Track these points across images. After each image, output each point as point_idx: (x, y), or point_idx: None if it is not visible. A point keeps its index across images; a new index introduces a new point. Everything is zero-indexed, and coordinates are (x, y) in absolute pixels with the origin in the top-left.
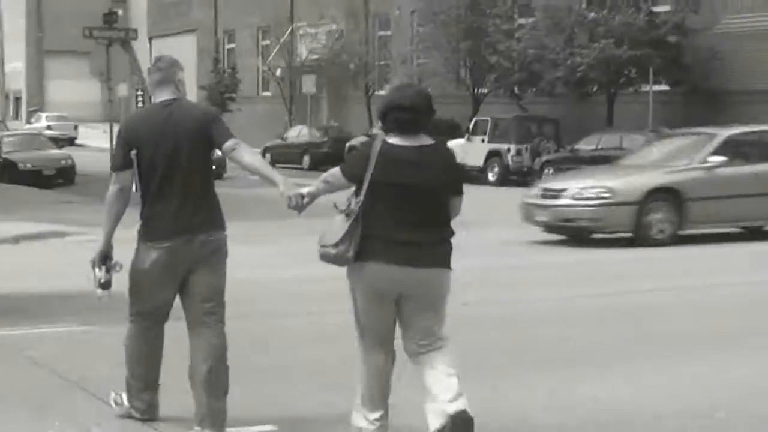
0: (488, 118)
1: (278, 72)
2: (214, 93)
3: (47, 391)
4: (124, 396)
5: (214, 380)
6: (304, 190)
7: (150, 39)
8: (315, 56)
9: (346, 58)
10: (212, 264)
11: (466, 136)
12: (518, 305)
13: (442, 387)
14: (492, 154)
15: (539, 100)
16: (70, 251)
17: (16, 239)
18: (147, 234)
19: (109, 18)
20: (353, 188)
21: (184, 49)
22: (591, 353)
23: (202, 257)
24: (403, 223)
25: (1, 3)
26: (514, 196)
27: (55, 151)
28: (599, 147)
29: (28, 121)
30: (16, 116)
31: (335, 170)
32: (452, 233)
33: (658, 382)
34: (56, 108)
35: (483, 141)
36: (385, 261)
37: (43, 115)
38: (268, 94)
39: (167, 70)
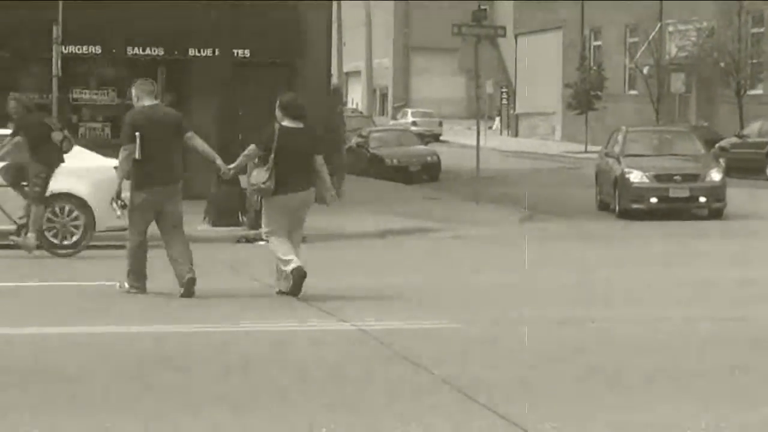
0: None
1: (645, 70)
2: (579, 91)
3: (413, 385)
4: (126, 283)
5: (187, 257)
6: (231, 166)
7: (516, 36)
8: (684, 54)
9: (716, 56)
10: (176, 201)
11: None
12: None
13: (293, 253)
14: None
15: None
16: (433, 247)
17: (383, 234)
18: (141, 183)
19: (479, 15)
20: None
21: (548, 47)
22: None
23: (171, 197)
24: (294, 169)
25: (370, 1)
26: None
27: (421, 147)
28: None
29: (394, 117)
30: (383, 112)
31: (251, 146)
32: (315, 172)
33: None
34: (421, 104)
35: None
36: (291, 192)
37: (409, 111)
38: (634, 92)
39: (154, 86)
